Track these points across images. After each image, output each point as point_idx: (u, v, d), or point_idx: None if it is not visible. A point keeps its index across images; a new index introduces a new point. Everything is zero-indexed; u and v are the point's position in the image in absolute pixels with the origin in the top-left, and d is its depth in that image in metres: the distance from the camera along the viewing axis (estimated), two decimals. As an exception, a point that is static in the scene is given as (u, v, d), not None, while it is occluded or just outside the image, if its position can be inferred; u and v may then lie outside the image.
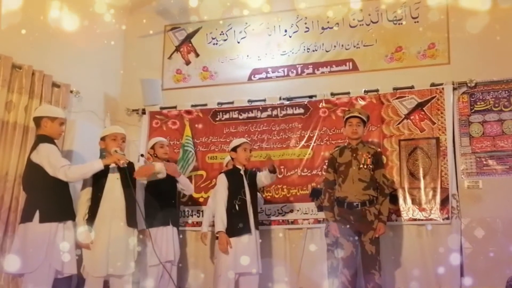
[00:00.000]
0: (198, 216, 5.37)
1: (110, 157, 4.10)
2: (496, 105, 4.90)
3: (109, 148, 4.20)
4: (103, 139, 4.26)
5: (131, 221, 4.10)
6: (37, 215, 3.79)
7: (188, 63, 6.05)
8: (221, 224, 4.33)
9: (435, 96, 5.03)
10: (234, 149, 4.63)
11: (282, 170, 5.30)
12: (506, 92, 4.89)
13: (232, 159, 4.70)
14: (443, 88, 5.02)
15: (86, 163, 4.22)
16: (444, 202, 4.76)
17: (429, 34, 5.22)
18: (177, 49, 6.10)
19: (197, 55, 6.02)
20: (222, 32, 5.96)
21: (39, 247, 3.74)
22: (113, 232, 4.00)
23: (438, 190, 4.80)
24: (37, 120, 4.06)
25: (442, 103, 4.99)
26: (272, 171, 4.47)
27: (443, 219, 4.73)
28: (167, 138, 5.25)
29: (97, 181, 4.09)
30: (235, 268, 4.29)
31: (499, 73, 4.92)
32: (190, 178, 5.39)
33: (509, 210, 4.64)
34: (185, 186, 4.77)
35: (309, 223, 5.10)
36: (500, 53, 4.94)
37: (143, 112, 5.90)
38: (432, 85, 5.07)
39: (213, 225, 4.63)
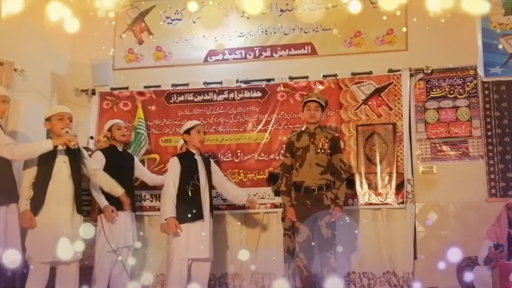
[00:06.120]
0: (152, 201, 5.21)
1: (61, 137, 3.87)
2: (451, 92, 4.98)
3: (55, 129, 3.96)
4: (48, 119, 4.01)
5: (79, 207, 3.95)
6: (-23, 197, 3.57)
7: (141, 42, 5.81)
8: (170, 210, 4.17)
9: (393, 82, 5.05)
10: (187, 132, 4.46)
11: (239, 154, 5.22)
12: (461, 79, 4.97)
13: (185, 142, 4.54)
14: (400, 74, 5.04)
15: (35, 142, 4.00)
16: (399, 187, 4.81)
17: (388, 20, 5.17)
18: (129, 27, 5.84)
19: (151, 34, 5.79)
20: (177, 11, 5.75)
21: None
22: (60, 217, 3.83)
23: (394, 175, 4.84)
24: None
25: (399, 89, 5.02)
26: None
27: (398, 204, 4.79)
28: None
29: (45, 163, 3.85)
30: (187, 253, 4.19)
31: (455, 61, 4.98)
32: (142, 161, 5.22)
33: (461, 194, 4.76)
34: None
35: (266, 208, 5.04)
36: (456, 41, 4.98)
37: (93, 93, 5.63)
38: (390, 71, 5.08)
39: None
